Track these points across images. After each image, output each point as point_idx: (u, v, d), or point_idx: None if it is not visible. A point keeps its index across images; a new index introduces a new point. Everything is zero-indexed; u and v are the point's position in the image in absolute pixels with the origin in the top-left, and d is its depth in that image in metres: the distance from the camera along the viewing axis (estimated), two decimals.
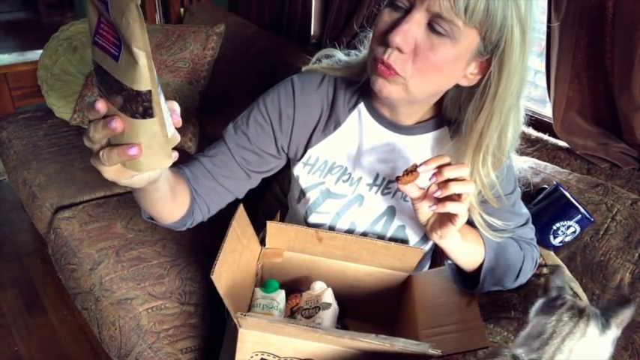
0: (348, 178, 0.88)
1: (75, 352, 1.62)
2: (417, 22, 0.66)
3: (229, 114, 1.89)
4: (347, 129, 0.86)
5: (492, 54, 0.69)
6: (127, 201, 1.56)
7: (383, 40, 0.69)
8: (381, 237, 0.90)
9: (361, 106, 0.85)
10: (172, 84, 1.85)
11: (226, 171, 0.85)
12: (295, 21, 1.95)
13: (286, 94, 0.85)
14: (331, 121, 0.86)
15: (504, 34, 0.66)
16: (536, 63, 1.93)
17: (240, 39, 1.97)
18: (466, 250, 0.80)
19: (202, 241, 1.37)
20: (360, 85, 0.84)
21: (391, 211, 0.89)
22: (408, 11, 0.67)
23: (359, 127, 0.85)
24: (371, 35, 0.76)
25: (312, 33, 1.99)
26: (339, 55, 0.89)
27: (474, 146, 0.75)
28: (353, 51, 0.89)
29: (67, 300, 1.75)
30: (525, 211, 0.90)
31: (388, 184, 0.87)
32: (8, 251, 2.02)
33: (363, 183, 0.88)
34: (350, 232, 0.90)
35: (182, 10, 2.47)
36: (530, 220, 0.91)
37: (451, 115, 0.82)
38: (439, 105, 0.83)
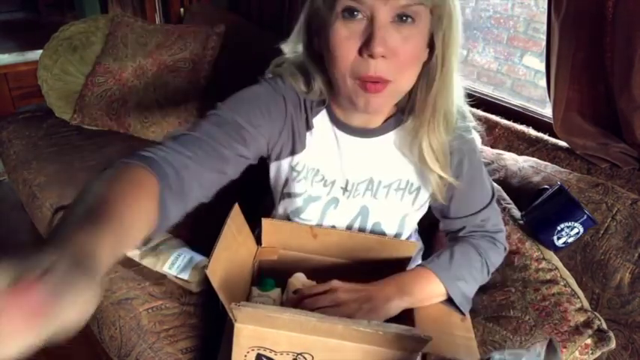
0: (322, 179, 0.89)
1: (75, 352, 1.62)
2: (385, 23, 0.67)
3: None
4: (315, 134, 0.86)
5: (436, 27, 0.71)
6: None
7: (357, 57, 0.69)
8: None
9: (323, 113, 0.85)
10: (172, 84, 1.85)
11: None
12: (295, 21, 1.95)
13: (273, 92, 0.85)
14: (304, 125, 0.86)
15: (445, 3, 0.69)
16: (536, 63, 1.93)
17: (240, 39, 1.97)
18: (423, 298, 0.84)
19: (202, 242, 1.37)
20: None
21: (365, 211, 0.91)
22: (369, 17, 0.67)
23: (322, 134, 0.86)
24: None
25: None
26: (289, 62, 0.87)
27: (429, 118, 0.78)
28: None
29: None
30: (488, 193, 0.91)
31: (357, 186, 0.89)
32: (7, 251, 2.01)
33: (337, 186, 0.89)
34: None
35: (182, 10, 2.47)
36: (495, 199, 0.92)
37: (403, 103, 0.83)
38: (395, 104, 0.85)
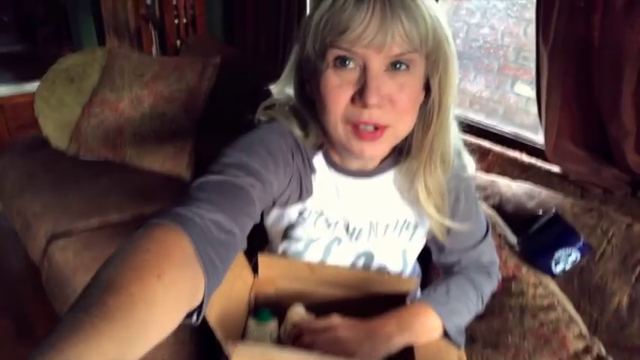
0: (325, 222, 0.86)
1: None
2: (379, 73, 0.66)
3: (225, 144, 1.89)
4: (317, 177, 0.84)
5: (432, 71, 0.70)
6: (123, 230, 1.55)
7: (350, 104, 0.68)
8: None
9: (320, 156, 0.83)
10: (169, 113, 1.87)
11: None
12: (290, 51, 1.99)
13: (278, 139, 0.80)
14: (308, 169, 0.83)
15: (442, 49, 0.68)
16: (527, 90, 1.96)
17: (236, 70, 2.00)
18: (421, 334, 0.82)
19: None
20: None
21: (369, 255, 0.89)
22: (362, 66, 0.66)
23: (322, 176, 0.84)
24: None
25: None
26: (280, 104, 0.85)
27: (425, 160, 0.77)
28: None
29: None
30: (482, 227, 0.91)
31: (360, 231, 0.87)
32: (1, 279, 1.99)
33: (340, 226, 0.87)
34: None
35: (178, 42, 2.51)
36: (490, 232, 0.92)
37: (400, 143, 0.81)
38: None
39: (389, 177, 0.85)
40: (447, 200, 0.82)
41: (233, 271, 0.81)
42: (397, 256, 0.90)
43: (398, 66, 0.67)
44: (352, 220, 0.86)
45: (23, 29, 5.35)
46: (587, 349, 0.90)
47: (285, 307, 0.88)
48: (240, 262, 0.86)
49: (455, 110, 0.77)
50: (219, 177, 0.65)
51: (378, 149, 0.72)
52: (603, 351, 0.90)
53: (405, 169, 0.82)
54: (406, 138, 0.79)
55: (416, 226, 0.88)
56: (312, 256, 0.88)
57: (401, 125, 0.71)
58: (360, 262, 0.91)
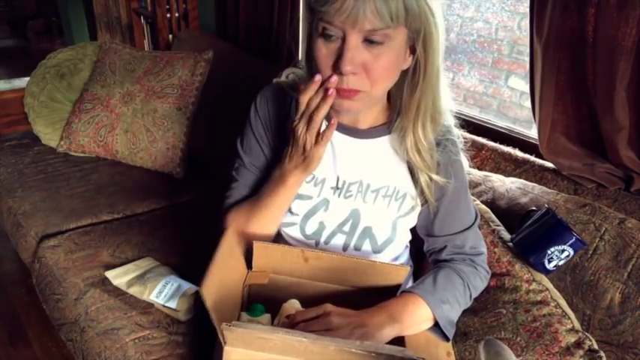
0: (312, 179, 0.93)
1: None
2: (355, 45, 0.73)
3: (218, 140, 1.87)
4: None
5: (416, 38, 0.77)
6: (114, 228, 1.54)
7: (332, 70, 0.76)
8: (348, 238, 0.95)
9: None
10: (160, 110, 1.85)
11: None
12: (282, 46, 1.97)
13: (255, 113, 0.96)
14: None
15: (422, 19, 0.75)
16: (521, 85, 1.96)
17: (228, 65, 1.98)
18: (411, 325, 0.85)
19: (190, 270, 1.35)
20: None
21: (356, 214, 0.93)
22: (342, 38, 0.74)
23: None
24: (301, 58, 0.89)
25: (299, 58, 2.01)
26: (300, 72, 0.98)
27: (413, 118, 0.85)
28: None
29: (51, 331, 1.70)
30: (471, 215, 0.96)
31: (349, 187, 0.92)
32: None
33: (327, 185, 0.93)
34: (318, 232, 0.95)
35: (170, 36, 2.48)
36: (477, 222, 0.97)
37: (396, 103, 0.89)
38: (390, 109, 0.91)
39: (384, 141, 0.91)
40: (436, 160, 0.88)
41: (229, 263, 0.82)
42: (387, 222, 0.94)
43: (374, 40, 0.74)
44: (343, 174, 0.92)
45: (13, 23, 5.30)
46: (579, 343, 0.90)
47: (279, 301, 0.89)
48: (236, 254, 0.86)
49: (443, 74, 0.85)
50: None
51: (353, 105, 0.80)
52: (595, 345, 0.90)
53: (396, 128, 0.89)
54: (395, 99, 0.88)
55: (404, 197, 0.93)
56: (296, 209, 0.93)
57: (374, 91, 0.79)
58: (347, 227, 0.94)
